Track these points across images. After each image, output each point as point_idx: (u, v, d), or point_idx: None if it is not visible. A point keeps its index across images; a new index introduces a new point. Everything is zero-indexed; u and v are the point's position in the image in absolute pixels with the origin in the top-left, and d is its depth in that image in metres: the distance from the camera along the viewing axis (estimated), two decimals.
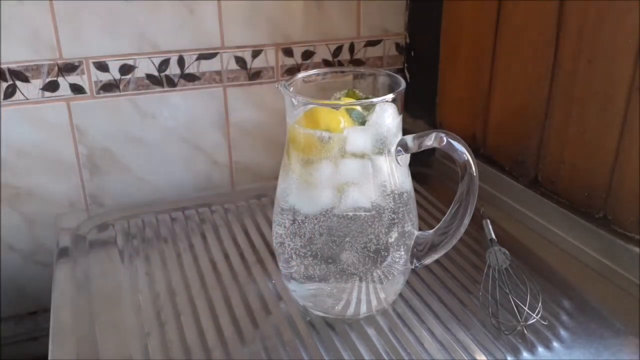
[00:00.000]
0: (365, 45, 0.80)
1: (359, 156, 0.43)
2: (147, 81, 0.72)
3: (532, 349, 0.44)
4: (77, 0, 0.66)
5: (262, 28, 0.74)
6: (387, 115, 0.43)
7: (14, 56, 0.66)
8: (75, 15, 0.67)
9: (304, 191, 0.44)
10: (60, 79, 0.69)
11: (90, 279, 0.54)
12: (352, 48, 0.80)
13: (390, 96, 0.42)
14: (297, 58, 0.78)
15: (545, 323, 0.46)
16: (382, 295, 0.47)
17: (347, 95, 0.45)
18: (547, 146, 0.61)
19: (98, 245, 0.60)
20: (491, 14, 0.65)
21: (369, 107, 0.43)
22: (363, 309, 0.47)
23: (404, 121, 0.45)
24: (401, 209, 0.44)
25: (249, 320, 0.48)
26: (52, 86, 0.69)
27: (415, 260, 0.46)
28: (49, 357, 0.44)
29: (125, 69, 0.71)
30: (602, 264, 0.54)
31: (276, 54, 0.76)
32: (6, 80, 0.67)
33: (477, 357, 0.44)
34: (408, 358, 0.44)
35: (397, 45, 0.82)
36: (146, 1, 0.69)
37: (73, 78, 0.69)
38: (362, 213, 0.43)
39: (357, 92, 0.45)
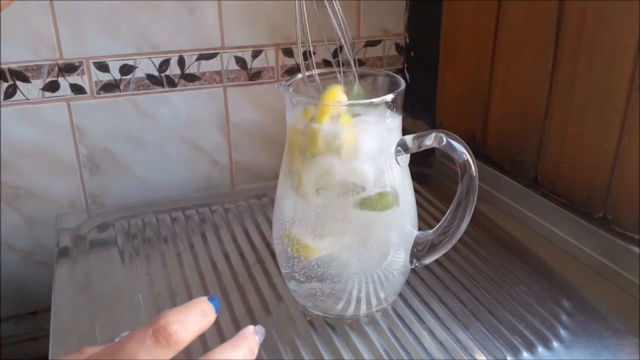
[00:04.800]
0: (365, 46, 0.80)
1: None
2: (147, 81, 0.72)
3: (531, 349, 0.44)
4: (77, 0, 0.66)
5: (262, 28, 0.75)
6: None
7: (14, 56, 0.66)
8: (75, 15, 0.67)
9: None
10: (60, 79, 0.69)
11: (90, 279, 0.54)
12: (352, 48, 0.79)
13: (390, 96, 0.42)
14: (297, 58, 0.78)
15: None
16: (382, 295, 0.47)
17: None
18: (547, 146, 0.61)
19: (98, 245, 0.60)
20: (491, 14, 0.65)
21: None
22: (363, 308, 0.47)
23: (404, 121, 0.45)
24: (401, 209, 0.44)
25: (249, 320, 0.48)
26: (52, 86, 0.69)
27: (415, 260, 0.46)
28: (49, 357, 0.44)
29: (126, 69, 0.71)
30: (602, 264, 0.54)
31: (276, 54, 0.76)
32: (6, 80, 0.67)
33: (477, 357, 0.44)
34: (408, 358, 0.44)
35: (397, 45, 0.82)
36: (146, 1, 0.69)
37: (73, 78, 0.69)
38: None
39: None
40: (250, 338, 0.31)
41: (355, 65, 0.45)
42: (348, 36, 0.44)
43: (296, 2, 0.42)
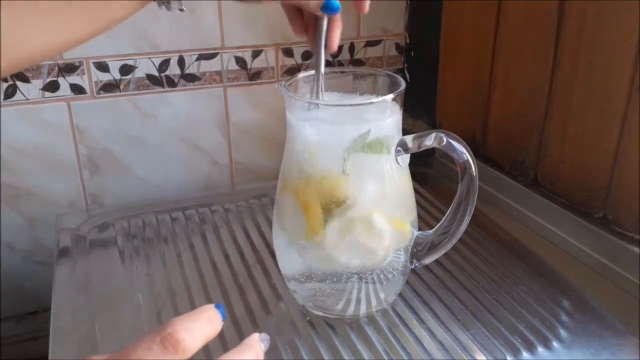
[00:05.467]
0: (365, 46, 0.80)
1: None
2: (147, 81, 0.72)
3: (531, 349, 0.44)
4: None
5: (262, 28, 0.75)
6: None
7: None
8: None
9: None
10: (60, 79, 0.69)
11: (90, 279, 0.54)
12: (352, 48, 0.80)
13: (390, 96, 0.42)
14: (297, 58, 0.78)
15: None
16: (382, 295, 0.47)
17: None
18: (547, 146, 0.61)
19: (98, 245, 0.60)
20: (491, 14, 0.65)
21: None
22: (363, 308, 0.47)
23: (404, 121, 0.45)
24: (401, 209, 0.44)
25: (249, 320, 0.48)
26: (52, 86, 0.69)
27: (415, 260, 0.46)
28: (49, 357, 0.44)
29: (126, 69, 0.71)
30: (602, 264, 0.54)
31: (276, 54, 0.76)
32: (6, 80, 0.67)
33: (477, 357, 0.44)
34: (408, 358, 0.44)
35: (397, 45, 0.82)
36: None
37: (73, 78, 0.69)
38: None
39: None
40: (256, 345, 0.31)
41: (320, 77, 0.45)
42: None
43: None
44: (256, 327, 0.47)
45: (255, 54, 0.76)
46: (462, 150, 0.41)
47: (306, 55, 0.78)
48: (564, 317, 0.48)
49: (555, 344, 0.45)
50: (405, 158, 0.44)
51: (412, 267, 0.47)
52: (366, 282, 0.45)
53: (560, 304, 0.50)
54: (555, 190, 0.61)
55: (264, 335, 0.32)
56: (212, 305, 0.30)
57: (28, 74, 0.67)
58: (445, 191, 0.70)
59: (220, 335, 0.46)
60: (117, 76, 0.71)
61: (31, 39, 0.33)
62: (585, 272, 0.54)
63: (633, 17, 0.49)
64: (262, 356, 0.31)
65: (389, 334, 0.46)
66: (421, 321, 0.48)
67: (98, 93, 0.71)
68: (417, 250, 0.46)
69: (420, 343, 0.45)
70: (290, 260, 0.47)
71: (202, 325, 0.29)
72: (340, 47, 0.79)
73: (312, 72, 0.47)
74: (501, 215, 0.64)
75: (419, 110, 0.81)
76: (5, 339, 0.77)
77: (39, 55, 0.34)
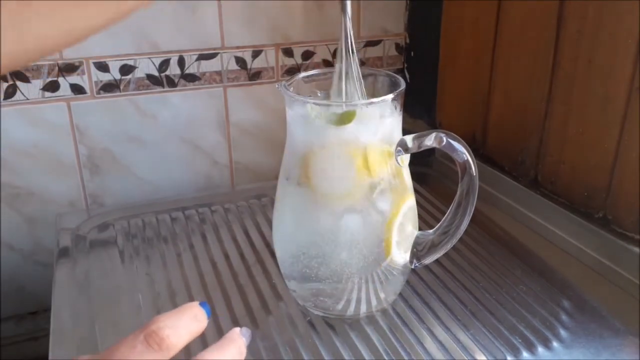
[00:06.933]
0: (365, 46, 0.80)
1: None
2: (147, 81, 0.72)
3: (531, 349, 0.44)
4: None
5: (262, 28, 0.75)
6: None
7: None
8: None
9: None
10: (60, 79, 0.69)
11: (90, 279, 0.54)
12: None
13: (390, 96, 0.42)
14: (297, 58, 0.78)
15: None
16: (382, 295, 0.47)
17: None
18: (547, 146, 0.61)
19: (98, 245, 0.60)
20: (491, 13, 0.65)
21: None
22: (363, 308, 0.47)
23: (404, 121, 0.45)
24: (401, 209, 0.44)
25: (249, 320, 0.48)
26: (52, 86, 0.69)
27: (415, 260, 0.46)
28: (49, 357, 0.44)
29: (126, 69, 0.71)
30: (602, 264, 0.54)
31: (276, 54, 0.76)
32: (6, 80, 0.67)
33: (477, 357, 0.44)
34: (408, 358, 0.44)
35: (397, 45, 0.82)
36: None
37: (73, 78, 0.69)
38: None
39: None
40: (237, 339, 0.31)
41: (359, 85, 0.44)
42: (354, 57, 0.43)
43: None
44: (256, 327, 0.47)
45: (255, 54, 0.76)
46: (462, 150, 0.41)
47: (306, 55, 0.78)
48: (564, 317, 0.48)
49: (555, 344, 0.45)
50: (405, 158, 0.44)
51: (412, 267, 0.47)
52: (366, 282, 0.45)
53: (560, 304, 0.50)
54: (555, 190, 0.61)
55: (245, 329, 0.32)
56: (196, 303, 0.30)
57: (28, 74, 0.67)
58: (445, 191, 0.70)
59: (221, 335, 0.46)
60: (117, 76, 0.71)
61: (36, 27, 0.32)
62: (585, 272, 0.54)
63: (633, 17, 0.49)
64: (244, 350, 0.31)
65: (389, 334, 0.46)
66: (421, 321, 0.48)
67: (98, 93, 0.71)
68: (417, 250, 0.46)
69: (421, 343, 0.45)
70: (290, 258, 0.47)
71: (187, 322, 0.28)
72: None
73: (312, 72, 0.48)
74: (501, 215, 0.64)
75: (419, 110, 0.81)
76: (5, 339, 0.77)
77: (45, 47, 0.33)
